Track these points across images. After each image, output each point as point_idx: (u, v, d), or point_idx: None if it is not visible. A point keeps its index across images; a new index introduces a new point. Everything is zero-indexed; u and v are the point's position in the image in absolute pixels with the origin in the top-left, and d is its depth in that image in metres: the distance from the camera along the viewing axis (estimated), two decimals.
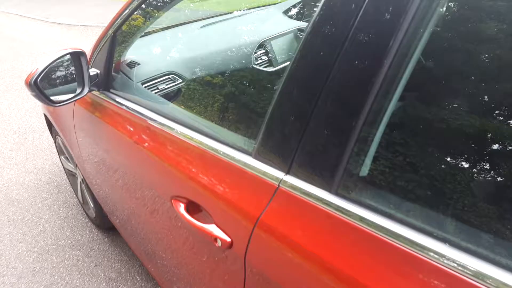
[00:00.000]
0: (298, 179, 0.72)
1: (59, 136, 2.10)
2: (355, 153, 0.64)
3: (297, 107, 0.71)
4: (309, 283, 0.67)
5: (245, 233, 0.79)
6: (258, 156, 0.80)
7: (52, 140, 3.30)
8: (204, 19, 1.97)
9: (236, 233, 0.82)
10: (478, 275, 0.51)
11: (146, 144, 1.13)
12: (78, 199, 2.49)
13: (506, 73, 0.57)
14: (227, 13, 2.12)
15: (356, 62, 0.63)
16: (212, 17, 2.01)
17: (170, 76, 1.52)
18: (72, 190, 2.66)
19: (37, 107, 4.05)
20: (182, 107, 1.42)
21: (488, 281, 0.50)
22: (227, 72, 1.66)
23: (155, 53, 1.66)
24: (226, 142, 0.91)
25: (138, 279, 1.99)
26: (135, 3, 1.28)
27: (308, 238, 0.68)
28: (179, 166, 0.99)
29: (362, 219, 0.63)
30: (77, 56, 1.29)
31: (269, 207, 0.75)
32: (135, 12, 1.32)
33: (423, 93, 0.65)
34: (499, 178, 0.56)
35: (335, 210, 0.66)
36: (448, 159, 0.60)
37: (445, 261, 0.53)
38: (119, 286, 1.95)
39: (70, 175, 2.43)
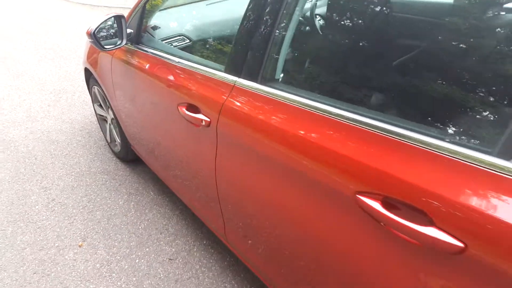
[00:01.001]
0: (244, 80, 1.37)
1: (96, 85, 2.77)
2: (269, 64, 1.29)
3: (243, 40, 1.35)
4: (243, 135, 1.31)
5: (216, 113, 1.43)
6: (226, 69, 1.45)
7: (86, 94, 3.99)
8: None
9: (212, 115, 1.47)
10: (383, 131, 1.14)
11: (161, 75, 1.77)
12: (106, 140, 3.16)
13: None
14: None
15: (267, 12, 1.26)
16: None
17: (180, 37, 2.16)
18: (102, 133, 3.34)
19: (68, 74, 4.74)
20: (185, 51, 2.07)
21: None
22: (216, 31, 2.34)
23: (171, 21, 2.30)
24: (208, 65, 1.56)
25: (152, 194, 2.66)
26: None
27: (248, 110, 1.32)
28: (180, 82, 1.63)
29: (272, 93, 1.27)
30: (119, 19, 1.95)
31: (228, 97, 1.40)
32: None
33: (303, 28, 1.29)
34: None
35: (263, 93, 1.29)
36: (320, 63, 1.24)
37: (331, 115, 1.14)
38: (137, 198, 2.62)
39: (101, 119, 3.10)
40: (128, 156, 2.85)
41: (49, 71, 4.87)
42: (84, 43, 5.00)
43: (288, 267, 1.34)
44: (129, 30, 2.05)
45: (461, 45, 0.98)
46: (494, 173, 0.77)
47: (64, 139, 3.35)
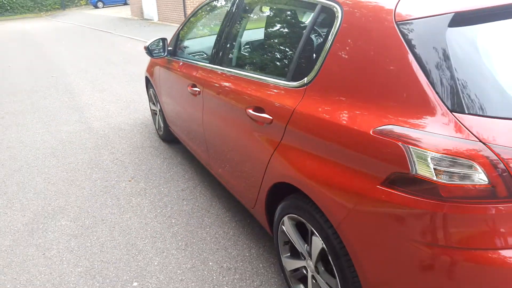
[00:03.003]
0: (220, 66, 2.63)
1: (151, 88, 4.19)
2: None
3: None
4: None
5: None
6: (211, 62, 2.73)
7: (145, 104, 5.45)
8: None
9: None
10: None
11: (191, 74, 3.07)
12: (155, 128, 4.55)
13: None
14: None
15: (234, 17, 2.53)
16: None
17: (200, 52, 3.50)
18: (153, 125, 4.74)
19: (137, 91, 6.34)
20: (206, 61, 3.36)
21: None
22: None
23: (195, 43, 3.64)
24: (202, 61, 2.84)
25: (179, 159, 3.93)
26: (188, 16, 3.30)
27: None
28: (188, 72, 2.92)
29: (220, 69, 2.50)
30: (163, 40, 3.33)
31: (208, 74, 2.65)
32: (188, 20, 3.34)
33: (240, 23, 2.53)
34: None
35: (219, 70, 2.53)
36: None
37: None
38: (169, 160, 3.90)
39: (153, 113, 4.51)
40: (167, 137, 4.18)
41: (124, 89, 6.54)
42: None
43: (222, 160, 2.52)
44: (170, 47, 3.43)
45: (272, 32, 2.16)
46: (284, 87, 1.91)
47: (129, 128, 4.80)
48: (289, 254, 2.00)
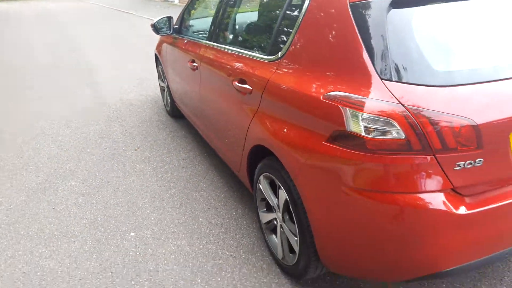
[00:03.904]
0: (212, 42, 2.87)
1: (160, 65, 4.45)
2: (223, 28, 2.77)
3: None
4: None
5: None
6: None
7: (157, 82, 5.73)
8: None
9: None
10: None
11: (191, 50, 3.31)
12: (164, 103, 4.83)
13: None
14: None
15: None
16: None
17: (201, 31, 3.73)
18: (162, 101, 5.03)
19: (150, 69, 6.64)
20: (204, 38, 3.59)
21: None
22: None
23: (197, 22, 3.87)
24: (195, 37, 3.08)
25: (183, 133, 4.21)
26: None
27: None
28: (191, 49, 3.16)
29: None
30: (169, 18, 3.58)
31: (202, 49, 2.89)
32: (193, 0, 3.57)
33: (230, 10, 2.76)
34: None
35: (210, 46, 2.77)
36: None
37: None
38: (174, 134, 4.18)
39: (162, 90, 4.78)
40: (174, 112, 4.46)
41: (139, 67, 6.84)
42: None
43: (216, 129, 2.78)
44: (175, 25, 3.68)
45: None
46: (263, 61, 2.14)
47: (139, 104, 5.10)
48: (265, 209, 2.26)
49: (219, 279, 2.16)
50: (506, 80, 1.42)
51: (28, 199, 3.02)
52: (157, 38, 8.69)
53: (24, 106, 5.20)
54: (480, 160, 1.35)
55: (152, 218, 2.72)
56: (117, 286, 2.14)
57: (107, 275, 2.23)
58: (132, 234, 2.57)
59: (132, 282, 2.17)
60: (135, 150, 3.82)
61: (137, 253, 2.39)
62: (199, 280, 2.16)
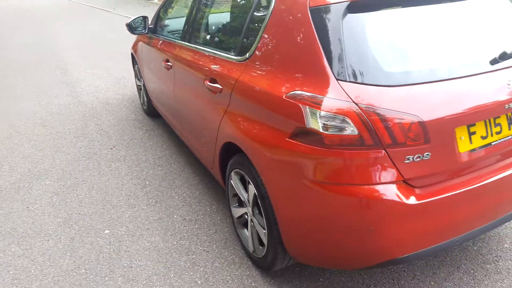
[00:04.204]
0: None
1: (136, 64, 4.47)
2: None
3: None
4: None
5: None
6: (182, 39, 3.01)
7: (133, 75, 5.72)
8: None
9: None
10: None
11: (166, 50, 3.35)
12: (140, 102, 4.85)
13: None
14: None
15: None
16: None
17: (175, 30, 3.77)
18: (139, 99, 5.04)
19: (128, 68, 6.62)
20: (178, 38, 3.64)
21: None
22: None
23: (172, 22, 3.91)
24: (170, 36, 3.12)
25: (160, 131, 4.24)
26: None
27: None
28: (166, 49, 3.20)
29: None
30: (144, 17, 3.61)
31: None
32: (167, 4, 3.61)
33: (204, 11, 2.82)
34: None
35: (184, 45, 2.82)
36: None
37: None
38: (150, 132, 4.21)
39: (138, 89, 4.80)
40: (151, 110, 4.48)
41: (116, 66, 6.81)
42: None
43: (190, 128, 2.84)
44: (150, 25, 3.71)
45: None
46: (232, 62, 2.21)
47: (116, 103, 5.10)
48: (236, 204, 2.33)
49: (192, 273, 2.22)
50: (452, 80, 1.53)
51: (0, 199, 3.02)
52: (134, 37, 8.69)
53: None
54: (428, 154, 1.46)
55: (127, 216, 2.76)
56: (91, 283, 2.18)
57: (81, 272, 2.26)
58: (107, 231, 2.60)
59: (106, 278, 2.21)
60: (111, 149, 3.84)
61: (111, 250, 2.43)
62: (172, 275, 2.22)
